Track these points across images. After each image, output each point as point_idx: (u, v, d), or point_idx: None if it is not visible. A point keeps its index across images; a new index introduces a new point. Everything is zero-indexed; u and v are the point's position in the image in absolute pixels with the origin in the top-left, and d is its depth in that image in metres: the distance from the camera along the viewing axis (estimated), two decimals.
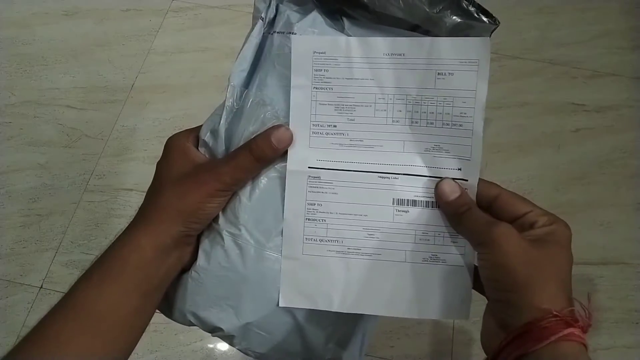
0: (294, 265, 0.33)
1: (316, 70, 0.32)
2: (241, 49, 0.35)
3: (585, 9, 1.22)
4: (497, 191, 0.31)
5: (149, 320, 0.32)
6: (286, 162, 0.33)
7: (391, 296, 0.32)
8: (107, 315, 0.30)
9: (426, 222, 0.32)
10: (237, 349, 0.35)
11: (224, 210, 0.33)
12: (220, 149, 0.34)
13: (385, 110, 0.32)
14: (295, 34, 0.33)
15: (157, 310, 0.33)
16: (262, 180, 0.33)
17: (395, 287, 0.32)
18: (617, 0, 1.23)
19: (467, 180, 0.31)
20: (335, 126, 0.32)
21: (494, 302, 0.29)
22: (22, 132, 1.06)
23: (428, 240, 0.32)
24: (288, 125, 0.32)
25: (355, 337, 0.37)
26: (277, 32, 0.34)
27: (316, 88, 0.32)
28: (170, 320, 0.36)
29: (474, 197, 0.31)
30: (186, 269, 0.34)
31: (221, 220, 0.33)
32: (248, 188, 0.33)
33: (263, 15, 0.35)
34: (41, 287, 0.92)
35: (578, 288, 0.28)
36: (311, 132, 0.32)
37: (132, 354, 0.32)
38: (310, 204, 0.32)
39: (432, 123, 0.31)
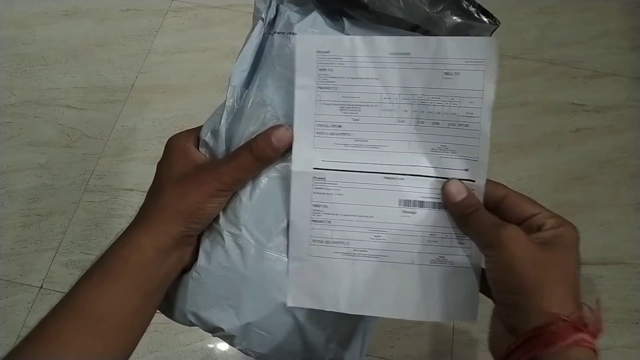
0: (301, 267, 0.33)
1: (320, 70, 0.31)
2: (241, 50, 0.35)
3: (585, 9, 1.22)
4: (504, 192, 0.31)
5: (150, 321, 0.32)
6: (287, 162, 0.33)
7: (398, 298, 0.32)
8: (107, 315, 0.30)
9: (433, 223, 0.31)
10: (238, 349, 0.35)
11: (224, 210, 0.33)
12: (221, 149, 0.34)
13: (390, 110, 0.31)
14: (295, 34, 0.33)
15: (157, 311, 0.33)
16: (263, 180, 0.33)
17: (402, 289, 0.32)
18: (617, 0, 1.23)
19: (474, 181, 0.31)
20: (340, 126, 0.32)
21: (502, 305, 0.29)
22: (22, 132, 1.06)
23: (435, 241, 0.32)
24: (289, 125, 0.32)
25: (356, 338, 0.37)
26: (278, 33, 0.34)
27: (320, 88, 0.31)
28: (170, 320, 0.36)
29: (481, 198, 0.31)
30: (187, 269, 0.34)
31: (222, 220, 0.33)
32: (248, 188, 0.33)
33: (263, 15, 0.35)
34: (41, 287, 0.92)
35: None
36: (315, 133, 0.32)
37: (132, 354, 0.32)
38: (316, 206, 0.32)
39: (438, 123, 0.31)
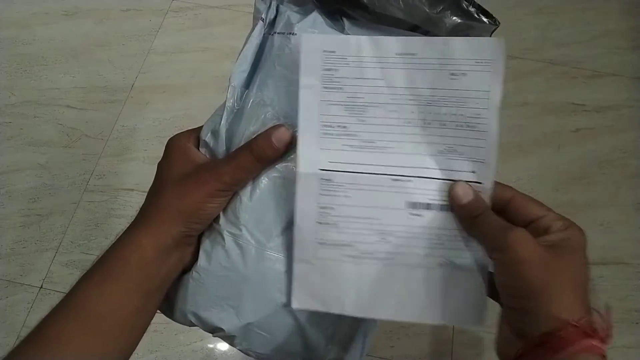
0: (306, 269, 0.32)
1: (326, 70, 0.31)
2: (242, 50, 0.35)
3: (585, 9, 1.22)
4: (510, 194, 0.31)
5: (150, 321, 0.32)
6: (287, 162, 0.33)
7: (404, 301, 0.32)
8: (108, 315, 0.30)
9: (440, 225, 0.31)
10: (238, 349, 0.35)
11: (224, 210, 0.33)
12: (221, 149, 0.34)
13: (397, 111, 0.31)
14: (295, 34, 0.33)
15: (157, 311, 0.34)
16: (263, 181, 0.33)
17: (409, 291, 0.31)
18: (617, 0, 1.23)
19: (481, 183, 0.30)
20: (345, 127, 0.31)
21: (509, 309, 0.28)
22: (22, 132, 1.06)
23: (442, 244, 0.31)
24: (289, 125, 0.32)
25: (357, 338, 0.37)
26: (278, 33, 0.34)
27: (326, 88, 0.31)
28: (170, 320, 0.36)
29: (488, 201, 0.30)
30: (187, 269, 0.34)
31: (222, 220, 0.33)
32: (249, 188, 0.33)
33: (263, 16, 0.35)
34: (41, 287, 0.92)
35: None
36: (321, 133, 0.31)
37: (133, 354, 0.32)
38: (322, 207, 0.31)
39: (445, 124, 0.30)
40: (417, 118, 0.31)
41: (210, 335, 0.35)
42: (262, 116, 0.33)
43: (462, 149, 0.30)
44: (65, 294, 0.30)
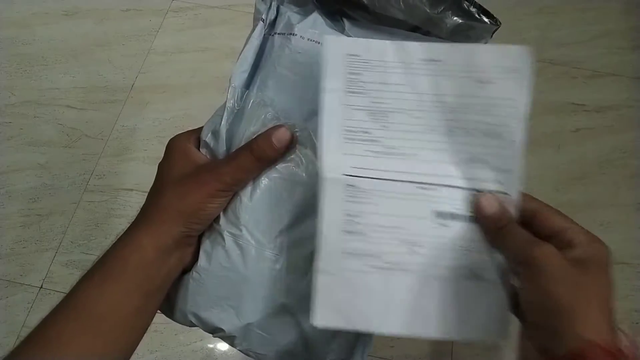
0: (330, 281, 0.30)
1: (349, 74, 0.30)
2: (242, 51, 0.35)
3: (585, 9, 1.22)
4: (536, 205, 0.30)
5: (151, 321, 0.32)
6: (287, 163, 0.33)
7: (430, 316, 0.30)
8: (108, 315, 0.30)
9: (466, 236, 0.30)
10: (238, 350, 0.35)
11: (225, 210, 0.33)
12: (221, 149, 0.34)
13: (421, 117, 0.30)
14: (295, 35, 0.33)
15: (158, 311, 0.34)
16: (263, 181, 0.33)
17: (435, 306, 0.30)
18: (617, 0, 1.23)
19: (507, 194, 0.30)
20: (368, 132, 0.30)
21: (532, 325, 0.28)
22: (22, 132, 1.06)
23: (469, 256, 0.30)
24: (290, 125, 0.32)
25: (358, 339, 0.37)
26: (278, 34, 0.34)
27: (349, 92, 0.30)
28: (170, 320, 0.36)
29: (514, 212, 0.29)
30: (187, 269, 0.34)
31: (222, 220, 0.33)
32: (249, 188, 0.33)
33: (264, 16, 0.35)
34: (41, 287, 0.92)
35: None
36: (344, 138, 0.30)
37: (133, 354, 0.32)
38: (348, 215, 0.30)
39: (470, 133, 0.30)
40: (441, 125, 0.30)
41: (211, 335, 0.35)
42: (263, 117, 0.33)
43: (488, 158, 0.30)
44: (65, 294, 0.30)
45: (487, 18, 0.32)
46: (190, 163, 0.33)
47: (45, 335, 0.29)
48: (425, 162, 0.30)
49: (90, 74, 1.13)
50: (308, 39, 0.33)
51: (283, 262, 0.33)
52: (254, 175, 0.33)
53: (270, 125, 0.33)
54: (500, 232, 0.29)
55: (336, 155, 0.30)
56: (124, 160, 1.04)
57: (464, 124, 0.29)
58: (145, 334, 0.32)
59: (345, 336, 0.36)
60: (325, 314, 0.30)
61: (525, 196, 0.30)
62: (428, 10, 0.31)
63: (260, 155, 0.31)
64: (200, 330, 0.35)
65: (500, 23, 0.32)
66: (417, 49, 0.29)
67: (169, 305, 0.35)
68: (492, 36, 0.33)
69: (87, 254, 0.95)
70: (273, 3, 0.35)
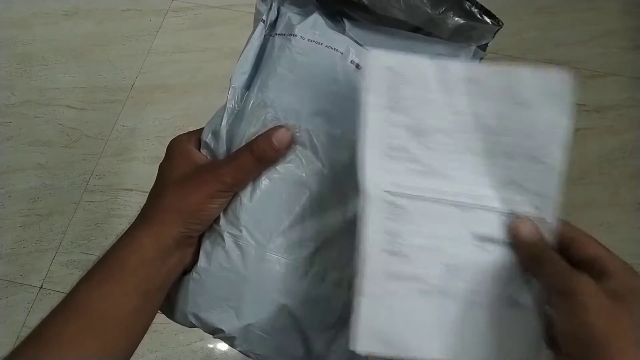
0: (374, 305, 0.29)
1: (390, 89, 0.29)
2: (242, 51, 0.35)
3: (585, 9, 1.22)
4: (573, 232, 0.29)
5: (151, 321, 0.32)
6: (287, 164, 0.33)
7: (469, 342, 0.30)
8: (108, 315, 0.30)
9: (504, 261, 0.29)
10: (238, 350, 0.35)
11: (225, 211, 0.33)
12: (222, 150, 0.34)
13: (460, 138, 0.29)
14: (296, 35, 0.33)
15: (158, 311, 0.34)
16: (263, 182, 0.33)
17: (475, 332, 0.29)
18: (617, 0, 1.23)
19: (544, 220, 0.29)
20: (408, 150, 0.30)
21: (567, 358, 0.27)
22: (22, 132, 1.06)
23: (508, 281, 0.29)
24: (290, 126, 0.32)
25: None
26: (279, 35, 0.34)
27: (390, 108, 0.30)
28: (170, 320, 0.36)
29: (551, 239, 0.29)
30: (188, 270, 0.34)
31: (222, 221, 0.33)
32: (249, 189, 0.33)
33: (264, 17, 0.35)
34: (41, 287, 0.92)
35: None
36: (384, 155, 0.29)
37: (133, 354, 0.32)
38: (390, 234, 0.29)
39: (509, 155, 0.29)
40: (480, 147, 0.29)
41: (211, 335, 0.35)
42: (263, 117, 0.33)
43: (526, 182, 0.29)
44: (65, 294, 0.30)
45: (489, 18, 0.32)
46: (191, 164, 0.33)
47: (45, 335, 0.29)
48: (464, 183, 0.30)
49: (90, 74, 1.13)
50: (308, 40, 0.33)
51: (283, 262, 0.33)
52: (254, 175, 0.33)
53: (270, 126, 0.33)
54: (538, 259, 0.28)
55: (378, 172, 0.29)
56: (124, 160, 1.04)
57: (504, 146, 0.29)
58: (145, 334, 0.32)
59: (346, 338, 0.36)
60: (367, 340, 0.29)
61: (564, 223, 0.29)
62: (429, 11, 0.31)
63: (260, 155, 0.31)
64: (200, 330, 0.35)
65: (502, 23, 0.32)
66: (457, 69, 0.29)
67: (169, 306, 0.35)
68: (493, 37, 0.33)
69: (87, 254, 0.95)
70: (274, 4, 0.35)
